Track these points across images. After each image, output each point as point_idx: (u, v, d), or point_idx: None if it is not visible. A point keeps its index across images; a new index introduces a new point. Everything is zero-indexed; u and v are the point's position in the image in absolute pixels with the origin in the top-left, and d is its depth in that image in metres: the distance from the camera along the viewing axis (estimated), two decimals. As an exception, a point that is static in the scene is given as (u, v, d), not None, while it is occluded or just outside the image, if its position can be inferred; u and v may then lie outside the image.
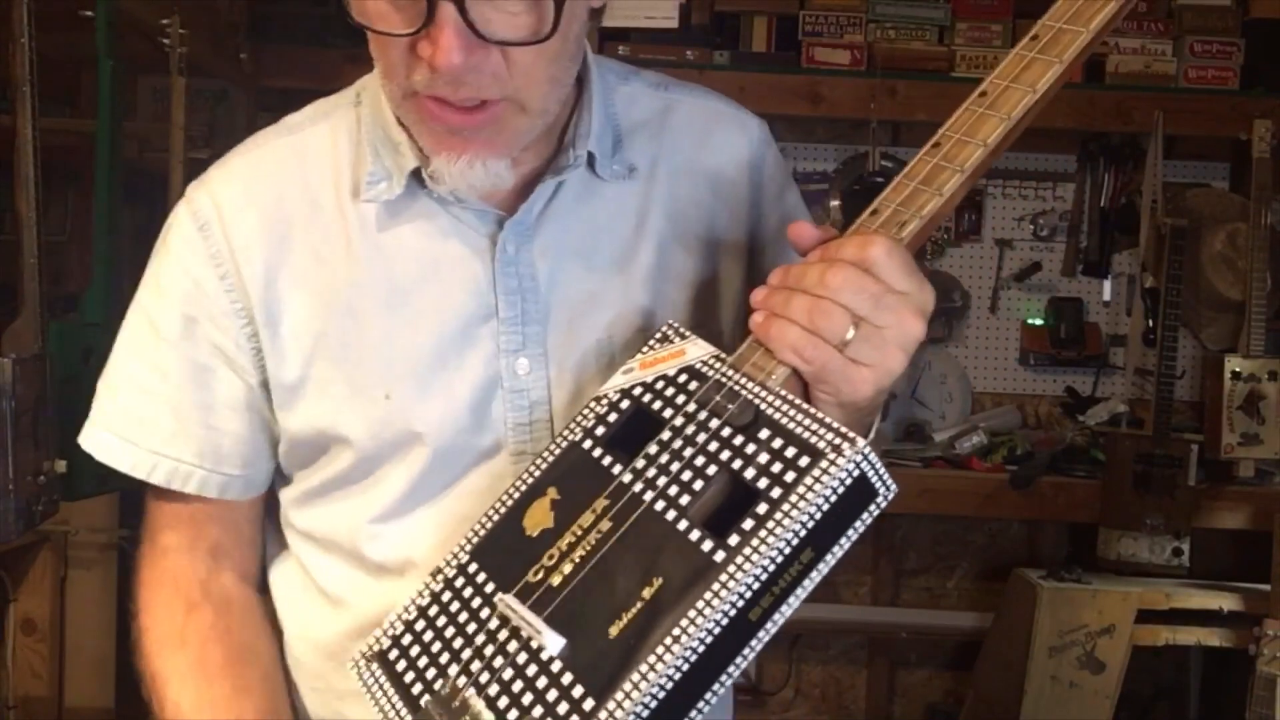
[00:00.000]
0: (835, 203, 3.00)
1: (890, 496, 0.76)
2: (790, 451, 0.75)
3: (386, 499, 0.96)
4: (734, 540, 0.73)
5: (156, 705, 0.98)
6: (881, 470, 0.75)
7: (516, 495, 0.86)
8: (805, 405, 0.78)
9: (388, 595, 0.95)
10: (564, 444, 0.86)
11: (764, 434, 0.77)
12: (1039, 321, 3.04)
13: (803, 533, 0.73)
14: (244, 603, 1.03)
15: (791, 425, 0.77)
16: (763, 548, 0.72)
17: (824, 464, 0.73)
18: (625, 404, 0.86)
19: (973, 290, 3.03)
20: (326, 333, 0.94)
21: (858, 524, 0.75)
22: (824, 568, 0.75)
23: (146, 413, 0.98)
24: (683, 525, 0.76)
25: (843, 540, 0.75)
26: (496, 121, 0.85)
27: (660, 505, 0.78)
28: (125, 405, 0.99)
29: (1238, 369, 2.64)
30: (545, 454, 0.87)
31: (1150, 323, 2.76)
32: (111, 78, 1.90)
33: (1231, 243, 2.79)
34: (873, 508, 0.75)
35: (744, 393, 0.80)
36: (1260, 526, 2.54)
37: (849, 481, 0.73)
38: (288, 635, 1.04)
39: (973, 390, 3.04)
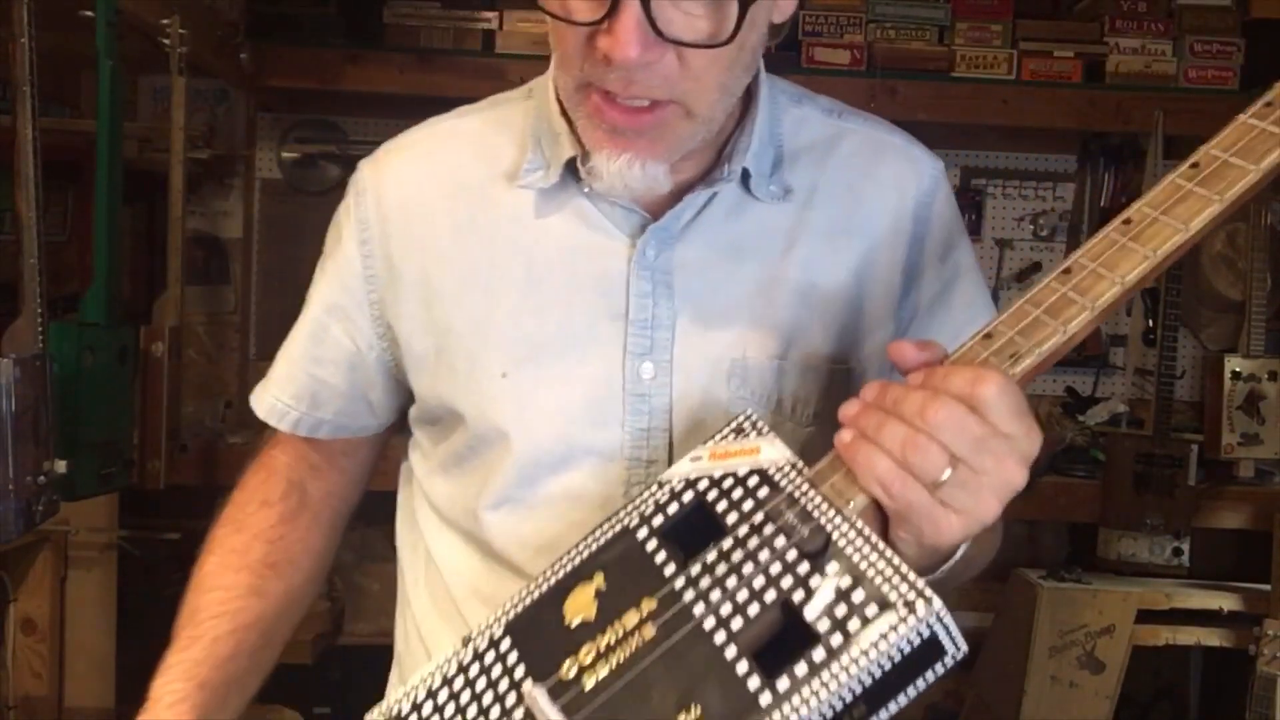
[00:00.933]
0: (835, 203, 3.00)
1: (960, 657, 0.70)
2: (858, 595, 0.70)
3: (497, 484, 0.97)
4: (783, 685, 0.68)
5: (198, 561, 1.07)
6: (954, 630, 0.69)
7: (560, 574, 0.82)
8: (882, 545, 0.72)
9: (497, 586, 0.96)
10: (618, 527, 0.82)
11: (832, 568, 0.72)
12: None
13: (858, 690, 0.67)
14: (312, 520, 1.10)
15: (864, 566, 0.71)
16: (812, 700, 0.67)
17: (893, 619, 0.68)
18: (688, 496, 0.81)
19: (973, 290, 3.03)
20: (460, 308, 0.97)
21: (920, 682, 0.70)
22: None
23: (280, 360, 1.09)
24: (730, 653, 0.71)
25: (900, 698, 0.70)
26: (661, 124, 0.85)
27: (710, 624, 0.73)
28: (279, 355, 1.10)
29: (1238, 369, 2.64)
30: (597, 533, 0.83)
31: (1150, 323, 2.76)
32: (111, 78, 1.90)
33: (1231, 243, 2.79)
34: (939, 667, 0.70)
35: (818, 517, 0.75)
36: (1260, 526, 2.54)
37: (916, 642, 0.68)
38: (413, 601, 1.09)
39: (973, 390, 3.03)
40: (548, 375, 0.94)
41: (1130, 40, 2.80)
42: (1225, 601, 2.44)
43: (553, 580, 0.82)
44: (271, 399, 1.08)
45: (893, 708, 0.69)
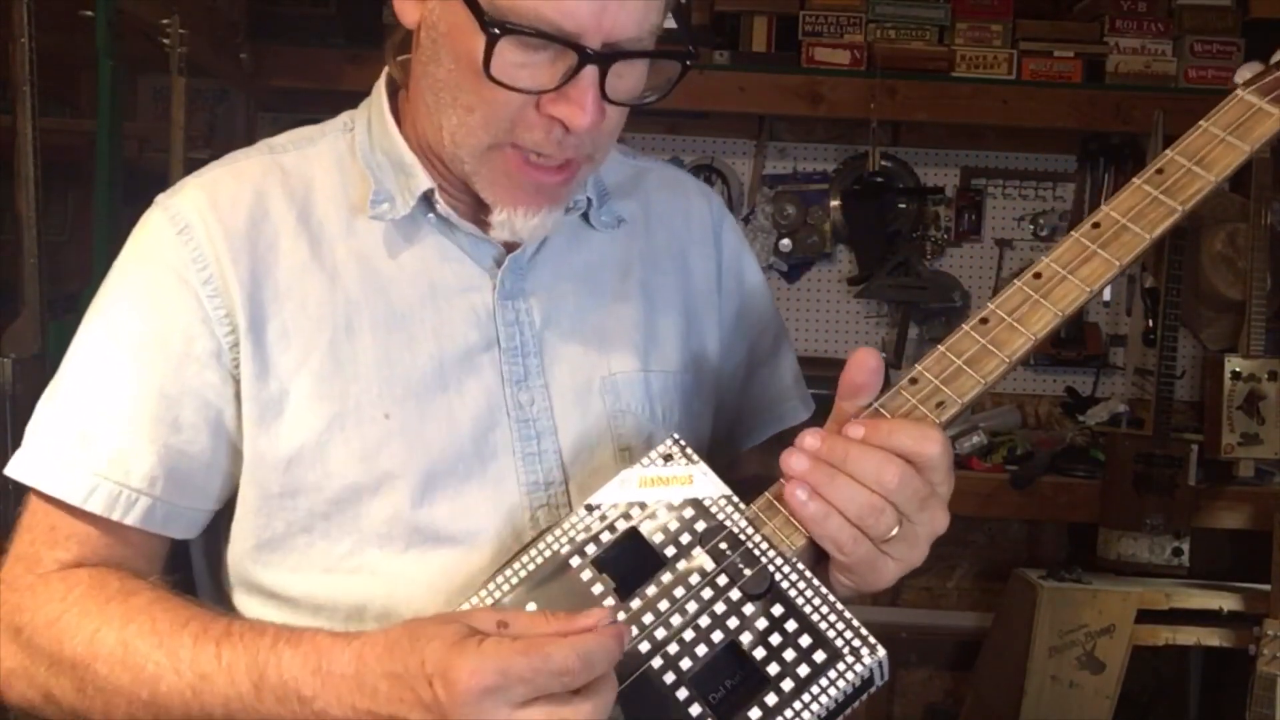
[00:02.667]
0: (835, 203, 3.00)
1: (883, 683, 0.76)
2: (805, 640, 0.74)
3: (386, 531, 0.90)
4: None
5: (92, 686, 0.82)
6: (885, 666, 0.75)
7: (489, 601, 0.80)
8: (824, 590, 0.77)
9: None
10: (548, 553, 0.81)
11: (777, 610, 0.76)
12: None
13: None
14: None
15: (809, 611, 0.75)
16: None
17: (841, 666, 0.73)
18: (620, 524, 0.81)
19: (973, 290, 3.03)
20: (317, 346, 0.91)
21: (852, 707, 0.76)
22: None
23: (93, 429, 0.87)
24: (682, 694, 0.74)
25: None
26: (576, 176, 0.90)
27: (659, 663, 0.75)
28: (70, 423, 0.88)
29: (1238, 369, 2.64)
30: (525, 560, 0.81)
31: (1150, 323, 2.76)
32: (111, 78, 1.90)
33: (1231, 243, 2.79)
34: (866, 695, 0.76)
35: (761, 558, 0.78)
36: (1260, 526, 2.54)
37: (858, 684, 0.74)
38: None
39: (973, 390, 3.03)
40: (431, 410, 0.91)
41: (1130, 40, 2.80)
42: (1225, 601, 2.43)
43: (482, 607, 0.79)
44: (112, 486, 0.86)
45: None
